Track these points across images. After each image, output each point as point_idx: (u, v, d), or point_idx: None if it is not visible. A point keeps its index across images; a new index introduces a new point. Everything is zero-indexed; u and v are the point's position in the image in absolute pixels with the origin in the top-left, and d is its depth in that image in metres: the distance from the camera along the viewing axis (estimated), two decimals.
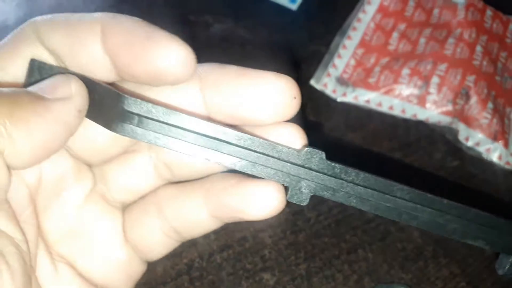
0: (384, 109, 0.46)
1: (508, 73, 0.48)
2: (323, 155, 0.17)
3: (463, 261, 0.41)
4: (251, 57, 0.48)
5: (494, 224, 0.18)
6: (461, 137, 0.45)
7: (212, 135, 0.16)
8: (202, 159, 0.17)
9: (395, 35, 0.49)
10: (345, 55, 0.49)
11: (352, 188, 0.17)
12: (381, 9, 0.51)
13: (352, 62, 0.48)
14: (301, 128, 0.18)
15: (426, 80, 0.45)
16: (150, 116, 0.16)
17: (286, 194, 0.18)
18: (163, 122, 0.16)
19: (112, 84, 0.18)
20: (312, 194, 0.17)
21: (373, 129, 0.46)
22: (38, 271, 0.18)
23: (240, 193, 0.17)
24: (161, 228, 0.19)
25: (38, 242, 0.18)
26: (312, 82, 0.47)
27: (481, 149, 0.44)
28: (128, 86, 0.18)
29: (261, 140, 0.17)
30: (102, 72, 0.17)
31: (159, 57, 0.15)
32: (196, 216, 0.18)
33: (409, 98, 0.46)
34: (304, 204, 0.17)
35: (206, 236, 0.41)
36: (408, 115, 0.46)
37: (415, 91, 0.45)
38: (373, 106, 0.46)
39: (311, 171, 0.17)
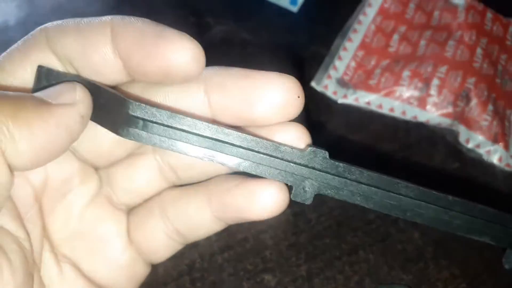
0: (385, 111, 0.46)
1: (508, 75, 0.48)
2: (327, 154, 0.17)
3: (464, 262, 0.41)
4: (252, 58, 0.49)
5: (499, 220, 0.18)
6: (462, 139, 0.45)
7: (216, 137, 0.17)
8: (206, 160, 0.17)
9: (395, 37, 0.50)
10: (345, 57, 0.49)
11: (356, 186, 0.18)
12: (382, 11, 0.51)
13: (353, 64, 0.48)
14: (305, 128, 0.18)
15: (427, 82, 0.46)
16: (154, 120, 0.16)
17: (290, 193, 0.18)
18: (167, 126, 0.16)
19: (117, 88, 0.18)
20: (316, 193, 0.18)
21: (373, 131, 0.46)
22: (43, 271, 0.18)
23: (243, 193, 0.18)
24: (165, 230, 0.19)
25: (43, 243, 0.18)
26: (313, 84, 0.47)
27: (482, 151, 0.44)
28: (135, 90, 0.18)
29: (264, 141, 0.17)
30: (114, 73, 0.17)
31: (172, 53, 0.16)
32: (199, 217, 0.19)
33: (409, 100, 0.46)
34: (308, 203, 0.18)
35: (207, 237, 0.40)
36: (408, 117, 0.46)
37: (416, 93, 0.46)
38: (373, 108, 0.46)
39: (314, 170, 0.17)
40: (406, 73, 0.46)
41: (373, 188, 0.18)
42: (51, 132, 0.15)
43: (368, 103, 0.46)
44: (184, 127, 0.16)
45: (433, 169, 0.44)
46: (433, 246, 0.41)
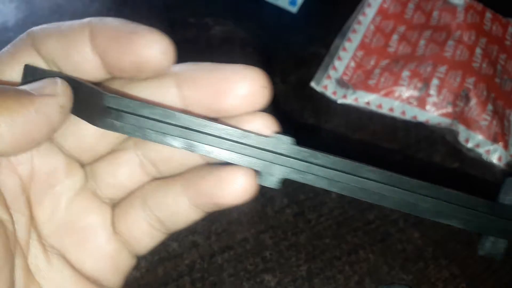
0: (384, 111, 0.46)
1: (508, 75, 0.48)
2: (292, 140, 0.18)
3: (463, 262, 0.41)
4: (252, 59, 0.49)
5: (468, 204, 0.19)
6: (461, 138, 0.45)
7: (186, 125, 0.18)
8: (177, 147, 0.18)
9: (395, 37, 0.50)
10: (345, 57, 0.49)
11: (321, 170, 0.18)
12: (381, 11, 0.51)
13: (352, 64, 0.49)
14: (273, 116, 0.19)
15: (426, 82, 0.46)
16: (127, 110, 0.17)
17: (259, 179, 0.18)
18: (139, 115, 0.17)
19: (99, 84, 0.19)
20: (282, 178, 0.18)
21: (373, 131, 0.46)
22: (30, 259, 0.19)
23: (215, 180, 0.19)
24: (146, 219, 0.20)
25: (30, 232, 0.19)
26: (313, 84, 0.48)
27: (481, 150, 0.45)
28: (115, 87, 0.19)
29: (233, 129, 0.18)
30: (93, 70, 0.18)
31: (143, 48, 0.17)
32: (177, 206, 0.20)
33: (409, 100, 0.46)
34: (276, 187, 0.18)
35: (207, 238, 0.41)
36: (408, 117, 0.46)
37: (415, 93, 0.46)
38: (373, 108, 0.46)
39: (281, 156, 0.18)
40: (405, 73, 0.46)
41: (338, 172, 0.18)
42: (32, 119, 0.16)
43: (368, 103, 0.46)
44: (156, 117, 0.17)
45: (432, 169, 0.44)
46: (432, 246, 0.41)
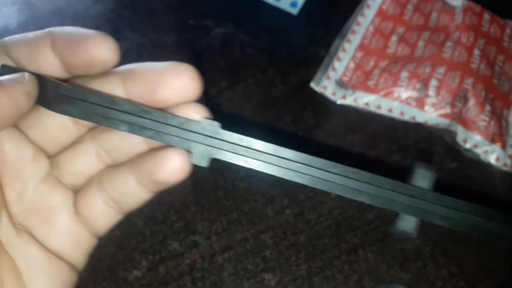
0: (383, 111, 0.46)
1: (505, 76, 0.48)
2: (219, 124, 0.21)
3: (462, 261, 0.41)
4: (251, 60, 0.49)
5: (377, 182, 0.21)
6: (459, 139, 0.45)
7: (129, 111, 0.21)
8: (122, 130, 0.21)
9: (394, 38, 0.50)
10: (344, 58, 0.49)
11: (245, 151, 0.21)
12: (380, 12, 0.52)
13: (352, 65, 0.49)
14: (203, 106, 0.22)
15: (425, 83, 0.46)
16: (79, 97, 0.21)
17: (191, 158, 0.21)
18: (90, 102, 0.21)
19: (65, 81, 0.22)
20: (210, 157, 0.21)
21: (372, 132, 0.47)
22: (2, 233, 0.22)
23: (154, 160, 0.22)
24: (103, 199, 0.23)
25: (1, 209, 0.22)
26: (312, 84, 0.48)
27: (479, 151, 0.45)
28: (78, 82, 0.23)
29: (169, 114, 0.21)
30: (54, 70, 0.22)
31: (92, 48, 0.21)
32: (126, 186, 0.23)
33: (408, 101, 0.46)
34: (204, 165, 0.21)
35: (208, 237, 0.41)
36: (407, 117, 0.46)
37: (414, 94, 0.46)
38: (372, 108, 0.47)
39: (209, 138, 0.21)
40: (404, 74, 0.47)
41: (261, 153, 0.21)
42: (2, 101, 0.19)
43: (367, 103, 0.47)
44: (104, 103, 0.21)
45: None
46: (431, 245, 0.41)
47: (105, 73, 0.22)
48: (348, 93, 0.47)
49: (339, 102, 0.47)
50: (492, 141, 0.45)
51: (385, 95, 0.46)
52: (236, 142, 0.21)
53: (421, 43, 0.49)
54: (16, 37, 0.22)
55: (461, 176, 0.45)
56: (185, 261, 0.40)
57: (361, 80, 0.48)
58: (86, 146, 0.24)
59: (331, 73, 0.48)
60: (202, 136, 0.21)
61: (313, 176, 0.21)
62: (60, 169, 0.24)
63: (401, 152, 0.46)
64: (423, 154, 0.46)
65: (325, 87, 0.48)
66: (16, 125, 0.22)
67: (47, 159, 0.23)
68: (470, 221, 0.22)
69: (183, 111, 0.21)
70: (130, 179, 0.23)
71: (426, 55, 0.48)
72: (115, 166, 0.23)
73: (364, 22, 0.51)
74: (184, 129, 0.21)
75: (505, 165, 0.45)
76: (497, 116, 0.46)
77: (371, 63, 0.49)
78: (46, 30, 0.21)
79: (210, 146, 0.21)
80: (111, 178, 0.23)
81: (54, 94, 0.21)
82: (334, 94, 0.47)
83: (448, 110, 0.45)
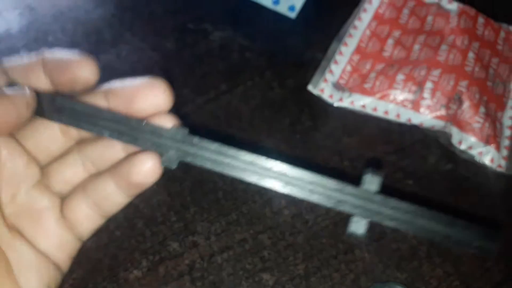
0: (380, 113, 0.47)
1: (500, 78, 0.49)
2: (186, 130, 0.23)
3: (457, 261, 0.42)
4: (250, 64, 0.50)
5: (326, 184, 0.24)
6: (454, 141, 0.46)
7: (109, 118, 0.24)
8: (105, 136, 0.24)
9: (390, 41, 0.51)
10: (341, 61, 0.50)
11: (208, 153, 0.23)
12: (377, 16, 0.53)
13: (349, 68, 0.50)
14: (174, 115, 0.24)
15: (420, 86, 0.47)
16: (68, 107, 0.24)
17: (162, 161, 0.23)
18: (78, 111, 0.24)
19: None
20: (178, 160, 0.23)
21: (368, 134, 0.47)
22: None
23: (129, 164, 0.24)
24: (86, 203, 0.25)
25: None
26: (310, 87, 0.49)
27: (474, 152, 0.46)
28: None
29: (142, 122, 0.23)
30: (44, 87, 0.25)
31: (75, 69, 0.24)
32: (106, 190, 0.25)
33: (403, 103, 0.47)
34: (173, 167, 0.23)
35: (207, 238, 0.42)
36: (402, 119, 0.47)
37: (410, 96, 0.47)
38: (368, 110, 0.47)
39: (177, 142, 0.23)
40: (400, 77, 0.47)
41: (221, 156, 0.23)
42: (6, 108, 0.22)
43: (363, 106, 0.47)
44: (88, 112, 0.24)
45: (426, 171, 0.45)
46: (426, 245, 0.42)
47: (91, 91, 0.25)
48: (345, 96, 0.48)
49: (336, 104, 0.48)
50: (487, 142, 0.45)
51: (381, 98, 0.47)
52: (203, 146, 0.23)
53: (416, 46, 0.50)
54: (13, 61, 0.25)
55: (456, 177, 0.45)
56: (184, 261, 0.41)
57: (357, 82, 0.48)
58: (73, 157, 0.26)
59: (328, 76, 0.49)
60: (172, 141, 0.23)
61: (261, 174, 0.24)
62: (50, 178, 0.26)
63: (396, 153, 0.46)
64: (418, 156, 0.46)
65: (322, 90, 0.48)
66: (13, 135, 0.24)
67: (38, 167, 0.26)
68: (414, 222, 0.23)
69: (157, 120, 0.24)
70: (109, 183, 0.25)
71: (421, 58, 0.49)
72: (97, 173, 0.26)
73: (360, 26, 0.52)
74: (156, 135, 0.23)
75: (499, 166, 0.45)
76: (492, 118, 0.46)
77: (368, 66, 0.49)
78: (39, 54, 0.25)
79: (178, 150, 0.23)
80: (93, 183, 0.25)
81: (49, 105, 0.24)
82: (331, 96, 0.48)
83: (443, 112, 0.46)
